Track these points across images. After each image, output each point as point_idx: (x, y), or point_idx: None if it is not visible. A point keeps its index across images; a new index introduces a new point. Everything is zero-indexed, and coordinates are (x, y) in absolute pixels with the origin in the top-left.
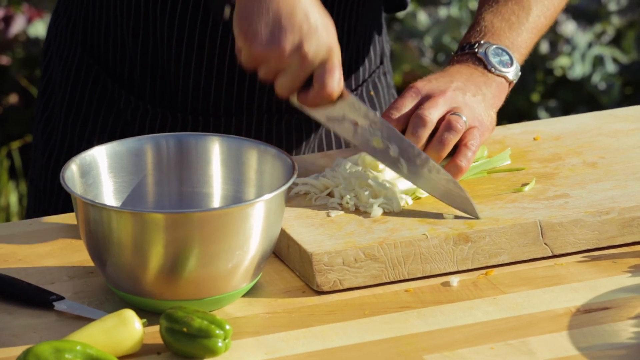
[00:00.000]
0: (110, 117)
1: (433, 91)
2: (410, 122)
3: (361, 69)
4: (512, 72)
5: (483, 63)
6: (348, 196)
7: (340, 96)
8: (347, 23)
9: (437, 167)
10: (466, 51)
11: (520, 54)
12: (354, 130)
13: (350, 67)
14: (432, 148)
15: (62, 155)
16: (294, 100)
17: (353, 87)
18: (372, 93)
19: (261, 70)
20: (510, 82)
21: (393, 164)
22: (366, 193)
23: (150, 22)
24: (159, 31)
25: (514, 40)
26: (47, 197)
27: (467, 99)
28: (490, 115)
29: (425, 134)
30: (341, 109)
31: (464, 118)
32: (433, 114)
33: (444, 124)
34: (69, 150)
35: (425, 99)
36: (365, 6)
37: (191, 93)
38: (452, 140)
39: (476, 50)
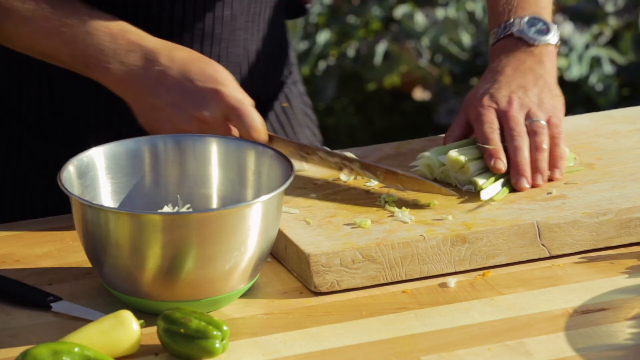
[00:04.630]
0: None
1: (502, 107)
2: (514, 154)
3: (270, 83)
4: (553, 36)
5: (523, 40)
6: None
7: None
8: (251, 37)
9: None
10: (501, 37)
11: (549, 15)
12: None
13: (258, 83)
14: (536, 171)
15: None
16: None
17: (263, 100)
18: (284, 104)
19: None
20: (555, 45)
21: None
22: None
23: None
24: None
25: (539, 4)
26: None
27: (532, 96)
28: (555, 95)
29: (527, 153)
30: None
31: (542, 121)
32: (522, 135)
33: (531, 146)
34: None
35: (502, 114)
36: (268, 18)
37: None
38: (544, 158)
39: (511, 30)
